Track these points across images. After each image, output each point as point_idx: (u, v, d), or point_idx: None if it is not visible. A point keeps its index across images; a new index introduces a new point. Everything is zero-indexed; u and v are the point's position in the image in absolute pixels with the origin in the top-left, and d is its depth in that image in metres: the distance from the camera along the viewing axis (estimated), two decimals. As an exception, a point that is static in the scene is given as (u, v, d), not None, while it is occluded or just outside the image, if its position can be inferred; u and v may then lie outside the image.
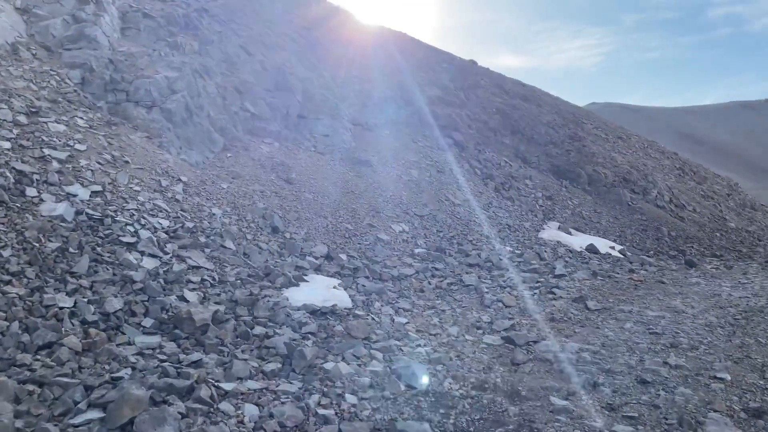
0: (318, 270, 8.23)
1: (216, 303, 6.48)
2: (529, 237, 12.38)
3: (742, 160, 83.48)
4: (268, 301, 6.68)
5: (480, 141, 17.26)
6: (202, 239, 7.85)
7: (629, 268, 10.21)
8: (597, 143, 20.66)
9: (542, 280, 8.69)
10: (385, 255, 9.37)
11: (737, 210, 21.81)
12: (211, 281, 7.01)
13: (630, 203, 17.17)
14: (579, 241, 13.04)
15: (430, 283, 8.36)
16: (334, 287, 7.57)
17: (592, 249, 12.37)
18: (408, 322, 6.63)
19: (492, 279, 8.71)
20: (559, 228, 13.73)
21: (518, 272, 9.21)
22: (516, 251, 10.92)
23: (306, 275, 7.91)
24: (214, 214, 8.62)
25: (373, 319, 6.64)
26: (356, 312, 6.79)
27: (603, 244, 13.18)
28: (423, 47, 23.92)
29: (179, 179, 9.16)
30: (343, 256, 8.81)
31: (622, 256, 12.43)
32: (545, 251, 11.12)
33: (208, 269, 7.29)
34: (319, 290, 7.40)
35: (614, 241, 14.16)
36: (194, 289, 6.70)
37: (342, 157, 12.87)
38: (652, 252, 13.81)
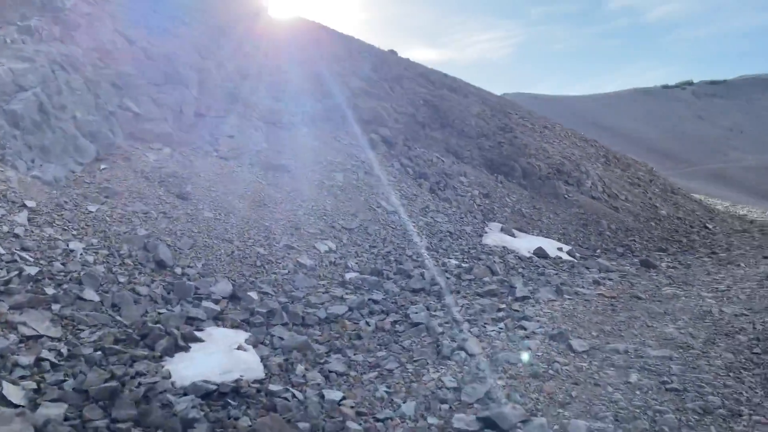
0: (218, 319, 6.08)
1: (53, 401, 4.23)
2: (474, 244, 10.74)
3: (644, 143, 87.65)
4: (139, 386, 4.50)
5: (409, 136, 15.50)
6: (50, 291, 5.51)
7: (592, 279, 8.75)
8: (527, 134, 19.51)
9: (504, 306, 7.00)
10: (309, 287, 7.33)
11: (662, 195, 21.45)
12: (55, 360, 4.73)
13: (566, 196, 16.05)
14: (525, 244, 11.57)
15: (368, 324, 6.43)
16: (240, 347, 5.47)
17: (541, 253, 10.93)
18: (344, 399, 4.67)
19: (444, 310, 6.91)
20: (501, 230, 12.21)
21: (473, 296, 7.48)
22: (463, 264, 9.20)
23: (201, 329, 5.75)
24: (71, 251, 6.24)
25: (294, 397, 4.63)
26: (270, 387, 4.75)
27: (550, 246, 11.80)
28: (340, 37, 21.82)
29: (23, 204, 6.68)
30: (254, 294, 6.70)
31: (572, 259, 11.08)
32: (495, 262, 9.49)
33: (52, 339, 4.99)
34: (218, 354, 5.28)
35: (559, 240, 12.85)
36: (24, 378, 4.41)
37: (252, 162, 10.65)
38: (599, 250, 12.62)
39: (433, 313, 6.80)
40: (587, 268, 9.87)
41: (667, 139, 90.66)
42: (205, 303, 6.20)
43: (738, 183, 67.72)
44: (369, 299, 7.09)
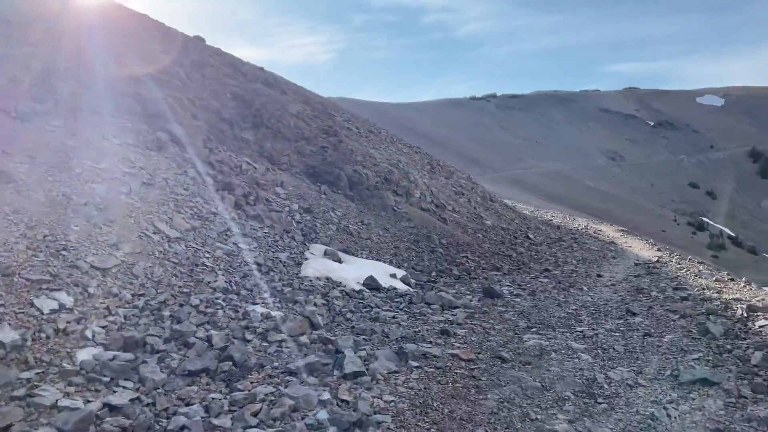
0: None
1: None
2: (290, 279, 8.23)
3: (454, 150, 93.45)
4: None
5: (212, 136, 12.44)
6: None
7: (440, 327, 6.78)
8: (352, 138, 17.58)
9: (326, 395, 4.61)
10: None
11: (484, 204, 21.16)
12: None
13: (395, 208, 14.38)
14: (353, 272, 9.40)
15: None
16: None
17: (372, 284, 8.83)
18: None
19: (233, 413, 4.28)
20: (325, 254, 9.91)
21: (283, 377, 4.96)
22: (273, 313, 6.63)
23: None
24: None
25: None
26: None
27: (382, 272, 9.80)
28: (133, 15, 17.75)
29: None
30: None
31: (409, 289, 9.18)
32: (316, 307, 7.10)
33: None
34: None
35: (391, 262, 10.96)
36: None
37: (-53, 168, 6.86)
38: (434, 272, 10.98)
39: (238, 423, 4.13)
40: (428, 304, 7.96)
41: (475, 146, 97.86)
42: None
43: (533, 187, 75.03)
44: (104, 405, 4.17)
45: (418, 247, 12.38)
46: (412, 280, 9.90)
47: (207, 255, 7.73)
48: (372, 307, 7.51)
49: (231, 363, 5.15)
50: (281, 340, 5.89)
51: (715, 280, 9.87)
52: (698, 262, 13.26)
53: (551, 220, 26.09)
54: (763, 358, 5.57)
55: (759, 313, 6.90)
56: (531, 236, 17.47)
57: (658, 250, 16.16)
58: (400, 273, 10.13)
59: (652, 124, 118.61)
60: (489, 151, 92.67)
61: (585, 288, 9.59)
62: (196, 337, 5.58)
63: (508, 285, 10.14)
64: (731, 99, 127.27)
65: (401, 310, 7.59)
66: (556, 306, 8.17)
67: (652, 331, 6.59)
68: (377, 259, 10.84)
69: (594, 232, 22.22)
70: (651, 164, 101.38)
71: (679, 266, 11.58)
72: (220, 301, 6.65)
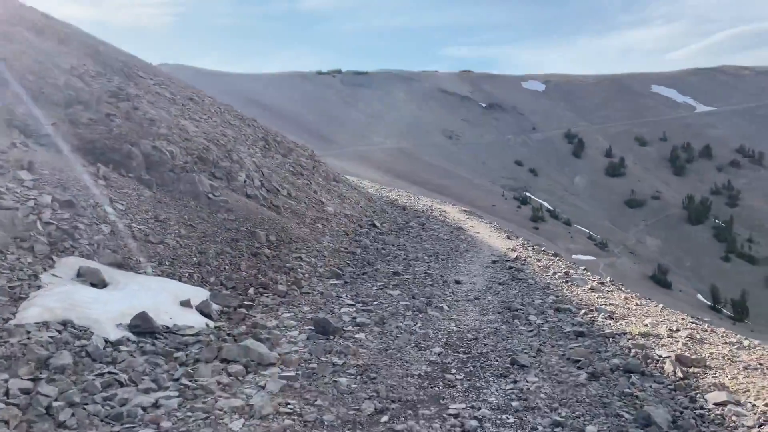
0: None
1: None
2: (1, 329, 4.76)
3: (300, 124, 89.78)
4: None
5: None
6: None
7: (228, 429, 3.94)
8: (160, 105, 13.69)
9: None
10: None
11: (326, 186, 18.54)
12: None
13: (211, 195, 11.07)
14: (119, 303, 6.10)
15: None
16: None
17: (143, 326, 5.64)
18: None
19: None
20: (79, 275, 6.46)
21: None
22: None
23: None
24: None
25: None
26: None
27: (170, 299, 6.64)
28: None
29: None
30: None
31: (207, 325, 6.17)
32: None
33: None
34: None
35: (191, 277, 7.79)
36: None
37: None
38: (253, 289, 8.04)
39: None
40: (227, 362, 5.05)
41: (322, 122, 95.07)
42: None
43: (379, 164, 74.65)
44: None
45: (236, 249, 9.31)
46: (216, 306, 6.89)
47: None
48: (122, 384, 4.39)
49: None
50: None
51: (591, 289, 8.31)
52: (553, 255, 12.00)
53: (396, 200, 24.42)
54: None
55: (692, 369, 5.13)
56: (377, 224, 15.26)
57: (508, 237, 14.92)
58: (200, 296, 7.04)
59: (484, 105, 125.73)
60: (335, 126, 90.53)
61: (445, 307, 7.41)
62: None
63: (349, 303, 7.60)
64: (551, 85, 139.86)
65: (176, 381, 4.59)
66: (414, 348, 5.79)
67: (562, 413, 4.39)
68: (170, 275, 7.60)
69: (440, 215, 20.86)
70: (483, 143, 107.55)
71: (539, 264, 10.04)
72: None
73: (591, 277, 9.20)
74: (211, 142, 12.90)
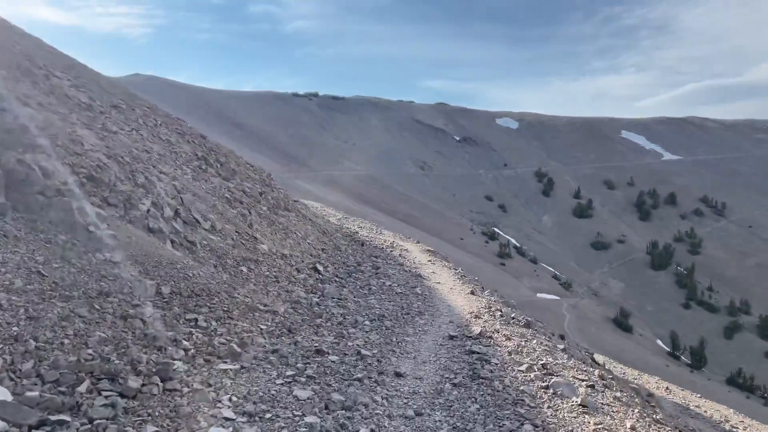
0: None
1: None
2: None
3: (272, 145, 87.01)
4: None
5: None
6: None
7: None
8: (55, 109, 10.97)
9: None
10: None
11: (270, 217, 15.86)
12: None
13: (93, 228, 8.32)
14: None
15: None
16: None
17: None
18: None
19: None
20: None
21: None
22: None
23: None
24: None
25: None
26: None
27: None
28: None
29: None
30: None
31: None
32: None
33: None
34: None
35: (11, 366, 5.05)
36: None
37: None
38: (87, 382, 5.33)
39: None
40: None
41: (295, 144, 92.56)
42: None
43: (348, 189, 72.03)
44: None
45: (96, 310, 6.56)
46: (-8, 431, 4.16)
47: None
48: None
49: None
50: None
51: (582, 407, 5.72)
52: (524, 325, 9.55)
53: (357, 232, 21.90)
54: None
55: None
56: (319, 269, 12.67)
57: (472, 293, 12.49)
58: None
59: (457, 139, 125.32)
60: (308, 149, 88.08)
61: (368, 436, 4.86)
62: None
63: (226, 417, 4.95)
64: (524, 123, 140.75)
65: None
66: None
67: None
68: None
69: (400, 254, 18.40)
70: (454, 176, 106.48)
71: (509, 346, 7.56)
72: None
73: (578, 376, 6.77)
74: (111, 159, 10.20)
